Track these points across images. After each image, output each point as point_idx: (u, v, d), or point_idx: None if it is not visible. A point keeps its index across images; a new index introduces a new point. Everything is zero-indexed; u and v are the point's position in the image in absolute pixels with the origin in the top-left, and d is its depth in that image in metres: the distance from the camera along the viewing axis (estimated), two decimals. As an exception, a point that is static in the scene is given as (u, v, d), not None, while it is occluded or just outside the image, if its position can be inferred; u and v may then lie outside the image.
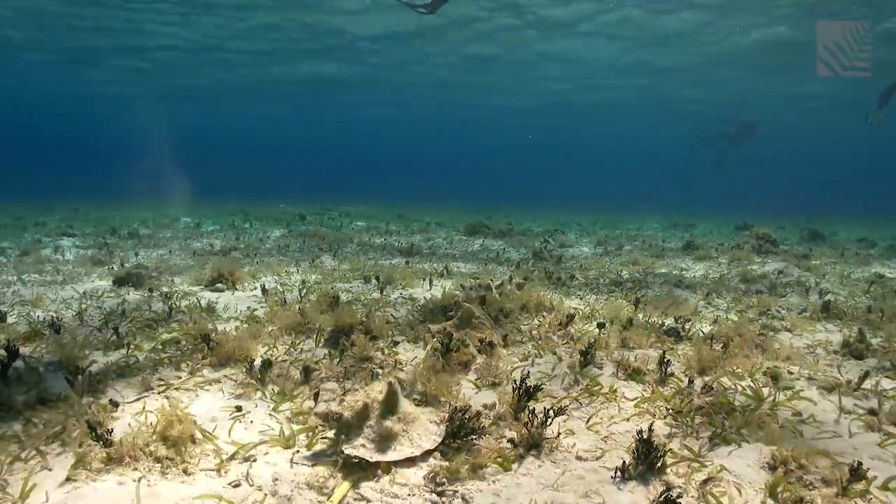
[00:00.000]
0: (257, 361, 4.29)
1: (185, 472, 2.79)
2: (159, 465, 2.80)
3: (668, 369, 4.18)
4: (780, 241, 15.03)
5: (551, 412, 3.20)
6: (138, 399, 3.68)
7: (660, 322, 5.74)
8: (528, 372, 4.15)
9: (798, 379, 4.27)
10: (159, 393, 3.80)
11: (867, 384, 4.12)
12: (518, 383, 3.57)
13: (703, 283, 8.75)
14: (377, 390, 3.20)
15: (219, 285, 7.42)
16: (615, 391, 3.94)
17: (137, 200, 24.26)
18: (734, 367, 4.44)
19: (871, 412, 3.60)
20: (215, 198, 33.23)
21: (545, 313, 6.02)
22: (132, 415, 3.44)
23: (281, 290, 7.50)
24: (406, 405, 3.24)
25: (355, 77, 36.64)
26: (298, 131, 76.01)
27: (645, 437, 2.90)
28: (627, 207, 36.40)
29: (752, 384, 4.10)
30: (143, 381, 3.90)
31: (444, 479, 2.82)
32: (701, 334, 5.45)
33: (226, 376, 4.15)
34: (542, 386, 3.73)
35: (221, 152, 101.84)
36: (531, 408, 3.28)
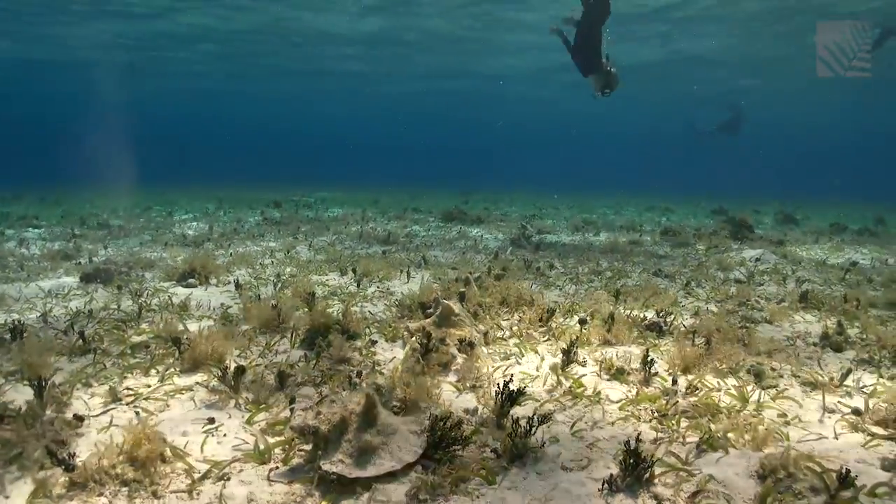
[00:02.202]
0: (231, 365, 4.16)
1: (154, 495, 2.65)
2: (126, 488, 2.66)
3: (652, 368, 4.13)
4: (755, 224, 15.16)
5: (535, 420, 3.11)
6: (105, 412, 3.52)
7: (641, 316, 5.69)
8: (511, 375, 4.08)
9: (781, 376, 4.25)
10: (127, 404, 3.64)
11: (849, 381, 4.11)
12: (501, 387, 3.48)
13: (682, 271, 8.75)
14: (355, 402, 3.08)
15: (191, 280, 7.21)
16: (599, 393, 3.87)
17: (107, 188, 23.68)
18: (717, 364, 4.40)
19: (856, 412, 3.57)
20: (189, 184, 32.70)
21: (525, 307, 5.93)
22: (98, 430, 3.28)
23: (255, 283, 7.33)
24: (385, 416, 3.13)
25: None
26: (273, 115, 75.01)
27: (632, 447, 2.83)
28: (604, 190, 36.53)
29: (736, 382, 4.07)
30: (110, 391, 3.73)
31: (427, 496, 2.72)
32: (683, 328, 5.41)
33: (198, 383, 3.99)
34: (525, 389, 3.64)
35: (196, 137, 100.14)
36: (514, 416, 3.19)
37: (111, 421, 3.37)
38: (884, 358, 4.73)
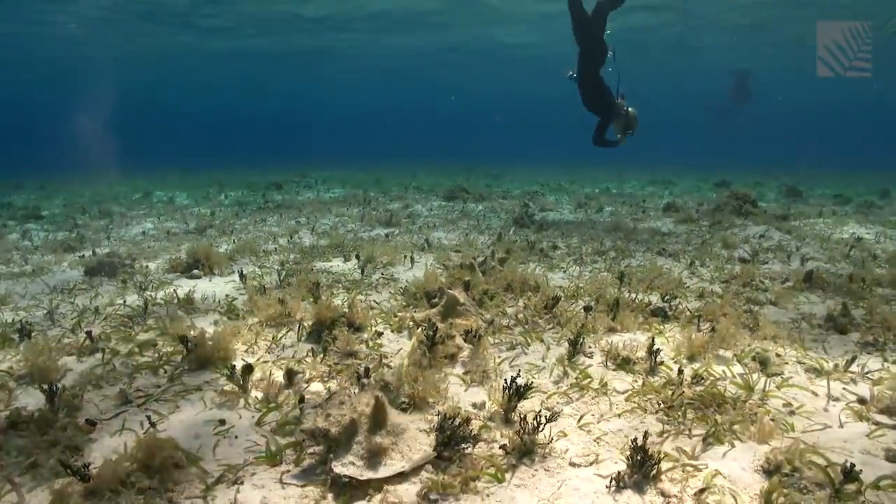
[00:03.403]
0: (238, 363, 4.20)
1: (170, 502, 2.70)
2: (142, 496, 2.70)
3: (658, 357, 4.15)
4: (759, 197, 15.13)
5: (543, 419, 3.14)
6: (117, 415, 3.56)
7: (646, 300, 5.70)
8: (518, 369, 4.11)
9: (786, 363, 4.26)
10: (139, 406, 3.68)
11: (854, 367, 4.12)
12: (508, 382, 3.50)
13: (686, 249, 8.74)
14: (364, 402, 3.11)
15: (195, 271, 7.22)
16: (605, 384, 3.90)
17: (105, 173, 23.62)
18: (723, 351, 4.43)
19: (861, 401, 3.59)
20: (188, 166, 32.56)
21: (530, 293, 5.95)
22: (111, 434, 3.32)
23: (260, 272, 7.34)
24: (394, 416, 3.16)
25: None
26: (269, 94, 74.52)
27: (639, 443, 2.86)
28: (606, 162, 36.24)
29: (741, 370, 4.09)
30: (120, 394, 3.76)
31: (437, 496, 2.76)
32: (688, 312, 5.42)
33: (206, 382, 4.03)
34: (532, 383, 3.66)
35: (196, 119, 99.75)
36: (522, 415, 3.21)
37: (123, 424, 3.40)
38: (888, 341, 4.74)
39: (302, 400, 3.64)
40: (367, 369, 3.84)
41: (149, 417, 3.40)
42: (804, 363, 4.24)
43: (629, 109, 11.02)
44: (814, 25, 10.95)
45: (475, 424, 3.35)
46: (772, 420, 3.37)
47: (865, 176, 25.29)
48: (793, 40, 30.87)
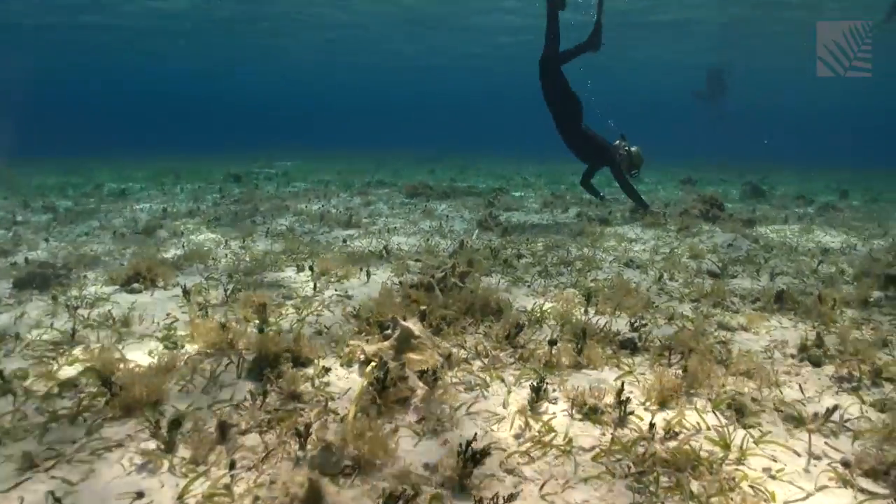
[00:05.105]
0: (169, 409, 3.79)
1: None
2: None
3: (627, 407, 3.84)
4: (723, 195, 15.09)
5: (501, 499, 2.80)
6: (18, 484, 3.11)
7: (614, 329, 5.40)
8: (476, 419, 3.77)
9: (763, 410, 3.99)
10: (46, 471, 3.23)
11: (836, 416, 3.88)
12: (463, 447, 3.16)
13: (654, 260, 8.51)
14: (298, 483, 2.73)
15: (135, 285, 6.71)
16: (570, 441, 3.57)
17: (59, 158, 22.59)
18: (696, 393, 4.15)
19: (844, 463, 3.33)
20: (148, 154, 31.54)
21: (492, 318, 5.62)
22: (7, 511, 2.89)
23: (206, 285, 6.86)
24: (333, 495, 2.79)
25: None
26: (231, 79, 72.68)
27: (608, 533, 2.54)
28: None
29: (716, 421, 3.81)
30: (24, 456, 3.30)
31: None
32: (658, 342, 5.14)
33: (129, 436, 3.59)
34: (490, 445, 3.31)
35: (157, 104, 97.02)
36: (479, 478, 2.87)
37: (22, 501, 2.96)
38: (864, 375, 4.53)
39: (233, 465, 3.25)
40: (307, 426, 3.44)
41: (52, 493, 2.96)
42: (782, 411, 3.97)
43: (630, 149, 11.25)
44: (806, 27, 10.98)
45: (427, 494, 3.00)
46: (751, 488, 3.09)
47: (824, 174, 25.60)
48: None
